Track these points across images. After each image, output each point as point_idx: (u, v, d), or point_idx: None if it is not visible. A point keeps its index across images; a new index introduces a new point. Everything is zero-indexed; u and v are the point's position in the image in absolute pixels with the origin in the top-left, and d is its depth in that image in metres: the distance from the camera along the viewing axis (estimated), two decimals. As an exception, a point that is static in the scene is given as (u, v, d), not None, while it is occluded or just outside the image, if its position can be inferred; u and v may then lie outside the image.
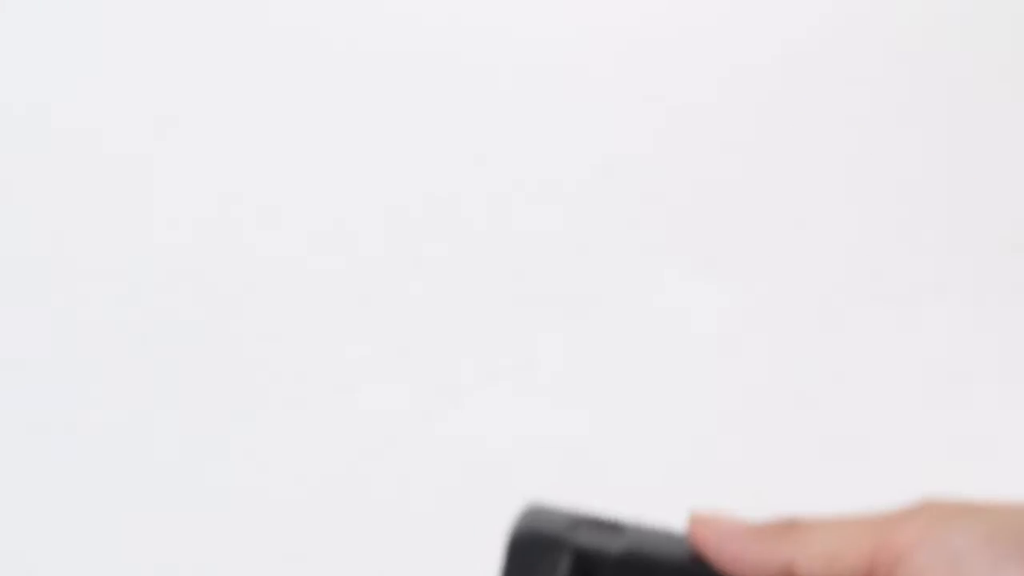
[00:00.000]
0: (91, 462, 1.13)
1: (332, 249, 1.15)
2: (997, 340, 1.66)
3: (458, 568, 1.11)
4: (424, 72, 1.37)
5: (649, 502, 0.97)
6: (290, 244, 1.16)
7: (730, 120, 1.95)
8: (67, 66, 1.22)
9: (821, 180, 1.96)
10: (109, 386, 1.13)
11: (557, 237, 1.69)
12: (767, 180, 1.86)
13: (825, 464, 1.25)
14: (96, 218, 1.17)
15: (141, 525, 1.12)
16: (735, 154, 1.94)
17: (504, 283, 1.48)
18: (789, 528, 0.56)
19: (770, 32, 1.24)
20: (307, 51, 1.22)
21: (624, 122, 1.90)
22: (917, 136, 1.56)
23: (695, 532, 0.57)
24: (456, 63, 1.50)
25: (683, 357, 1.39)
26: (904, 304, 1.73)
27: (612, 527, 0.57)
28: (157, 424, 1.13)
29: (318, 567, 1.12)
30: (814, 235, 1.87)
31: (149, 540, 1.12)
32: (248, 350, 1.13)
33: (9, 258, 1.17)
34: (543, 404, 1.35)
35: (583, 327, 1.44)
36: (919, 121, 1.56)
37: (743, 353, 1.38)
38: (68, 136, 1.20)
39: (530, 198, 1.74)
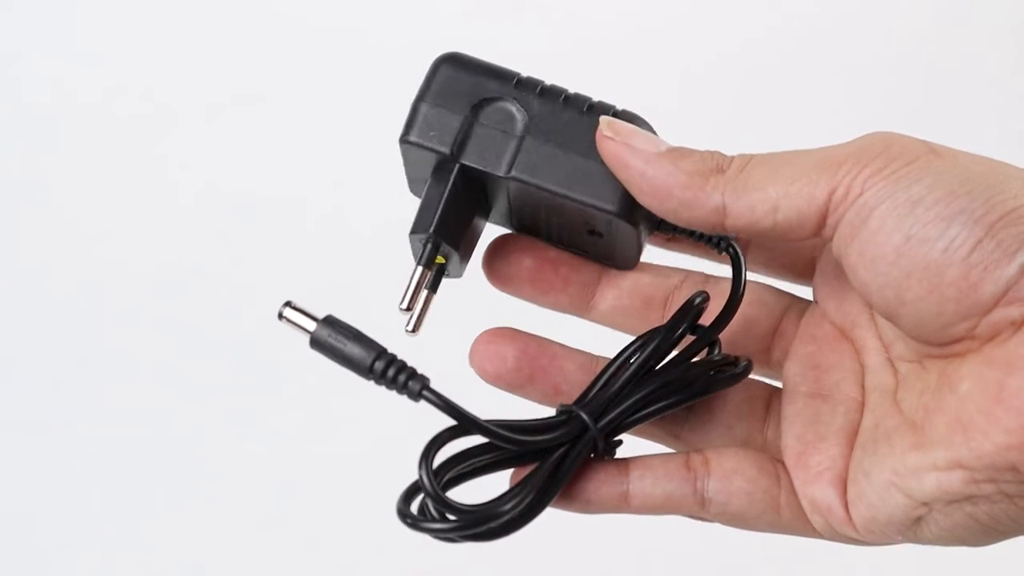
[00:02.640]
0: (90, 461, 1.12)
1: (339, 248, 1.15)
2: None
3: (460, 569, 1.11)
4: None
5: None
6: (299, 241, 1.15)
7: (701, 122, 1.95)
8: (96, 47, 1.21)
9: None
10: (109, 386, 1.12)
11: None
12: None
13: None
14: (102, 213, 1.16)
15: (140, 525, 1.12)
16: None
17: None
18: (717, 168, 0.48)
19: (735, 31, 1.25)
20: (329, 39, 1.21)
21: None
22: (911, 133, 1.56)
23: (605, 145, 0.49)
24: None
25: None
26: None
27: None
28: (156, 426, 1.13)
29: (319, 567, 1.12)
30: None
31: (148, 540, 1.12)
32: (250, 349, 1.12)
33: (10, 256, 1.16)
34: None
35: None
36: (914, 120, 1.56)
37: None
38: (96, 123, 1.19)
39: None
